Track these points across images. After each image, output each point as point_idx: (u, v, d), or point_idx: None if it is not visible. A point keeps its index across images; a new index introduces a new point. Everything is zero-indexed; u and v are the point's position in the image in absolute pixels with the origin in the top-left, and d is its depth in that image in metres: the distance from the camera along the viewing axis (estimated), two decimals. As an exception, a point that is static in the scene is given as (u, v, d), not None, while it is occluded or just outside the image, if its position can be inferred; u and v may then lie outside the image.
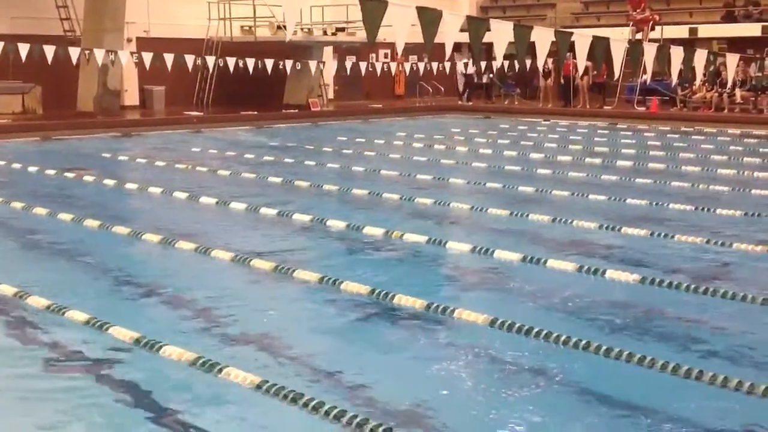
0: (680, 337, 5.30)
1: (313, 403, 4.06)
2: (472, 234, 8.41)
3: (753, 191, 10.51)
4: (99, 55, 16.43)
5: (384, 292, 5.97)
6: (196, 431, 4.01)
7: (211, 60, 19.31)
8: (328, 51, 25.04)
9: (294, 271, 6.59)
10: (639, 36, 21.77)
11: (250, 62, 18.87)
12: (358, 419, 3.88)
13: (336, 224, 8.52)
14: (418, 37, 7.73)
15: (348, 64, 22.32)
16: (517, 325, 5.24)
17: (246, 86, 20.71)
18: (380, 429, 3.79)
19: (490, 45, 8.78)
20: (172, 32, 22.08)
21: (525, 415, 4.20)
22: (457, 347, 5.18)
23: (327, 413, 3.97)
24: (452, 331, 5.42)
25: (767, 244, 7.48)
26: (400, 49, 7.51)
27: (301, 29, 22.37)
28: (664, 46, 10.20)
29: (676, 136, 18.01)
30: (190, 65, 18.25)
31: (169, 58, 17.76)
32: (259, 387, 4.29)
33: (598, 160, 13.83)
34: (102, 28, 19.86)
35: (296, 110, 22.45)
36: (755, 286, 6.29)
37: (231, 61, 18.91)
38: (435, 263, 7.37)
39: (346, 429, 3.87)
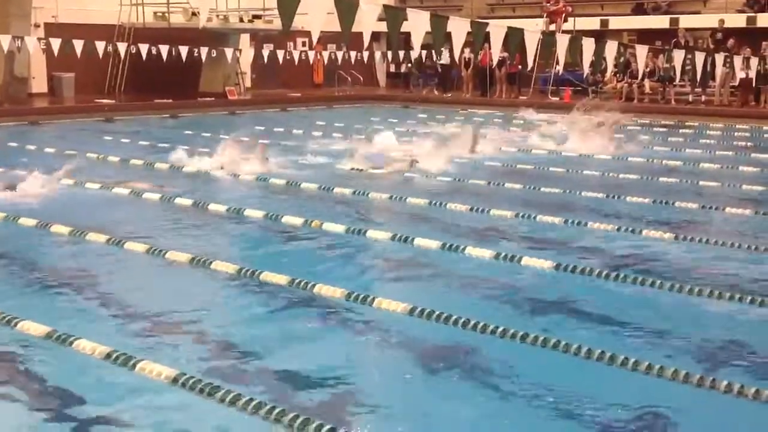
0: (593, 322, 5.45)
1: (230, 396, 4.00)
2: (392, 222, 8.45)
3: (661, 179, 10.87)
4: (5, 41, 15.80)
5: (303, 281, 5.93)
6: (111, 428, 3.91)
7: (122, 47, 18.76)
8: (244, 38, 24.66)
9: (211, 262, 6.48)
10: (552, 27, 22.22)
11: (164, 49, 18.44)
12: (276, 411, 3.85)
13: (254, 214, 8.42)
14: (335, 26, 7.70)
15: (265, 53, 22.05)
16: (436, 313, 5.29)
17: (160, 74, 20.21)
18: (298, 420, 3.76)
19: (408, 35, 8.82)
20: (82, 18, 21.36)
21: (443, 401, 4.25)
22: (376, 336, 5.19)
23: (245, 406, 3.92)
24: (372, 320, 5.42)
25: (675, 231, 7.76)
26: (315, 38, 7.47)
27: (217, 16, 21.96)
28: (576, 37, 10.44)
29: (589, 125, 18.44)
30: (101, 52, 17.72)
31: (78, 45, 17.21)
32: (175, 381, 4.21)
33: (514, 149, 14.06)
34: (7, 13, 19.03)
35: (213, 99, 22.07)
36: (664, 271, 6.51)
37: (144, 48, 18.43)
38: (355, 252, 7.36)
39: (264, 421, 3.83)
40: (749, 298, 5.73)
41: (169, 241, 7.23)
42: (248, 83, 25.47)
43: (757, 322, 5.47)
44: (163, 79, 20.56)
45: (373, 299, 5.59)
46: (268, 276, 6.11)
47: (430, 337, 5.11)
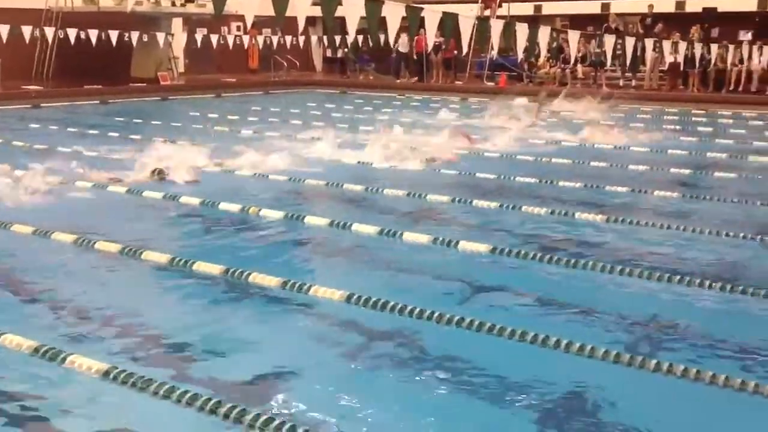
0: (528, 305, 5.52)
1: (164, 389, 3.93)
2: (329, 209, 8.41)
3: (592, 163, 11.06)
4: None
5: (239, 270, 5.86)
6: (41, 423, 3.80)
7: (50, 31, 18.20)
8: (177, 22, 24.19)
9: (142, 252, 6.35)
10: (487, 13, 22.37)
11: (93, 34, 17.97)
12: (212, 402, 3.79)
13: (189, 201, 8.28)
14: (270, 10, 7.60)
15: (199, 37, 21.67)
16: (373, 300, 5.28)
17: (89, 59, 19.66)
18: (234, 411, 3.72)
19: (343, 19, 8.75)
20: (7, 2, 20.56)
21: (381, 387, 4.26)
22: (314, 324, 5.17)
23: (179, 399, 3.85)
24: (309, 308, 5.38)
25: (606, 213, 7.91)
26: (249, 22, 7.38)
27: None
28: (510, 23, 10.52)
29: (523, 110, 18.64)
30: (27, 37, 17.17)
31: (4, 30, 16.66)
32: (107, 374, 4.11)
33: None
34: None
35: (145, 84, 21.60)
36: (596, 253, 6.64)
37: (72, 33, 17.93)
38: (292, 239, 7.31)
39: (199, 413, 3.78)
40: (677, 278, 5.87)
41: (99, 231, 7.05)
42: (181, 68, 25.00)
43: (686, 303, 5.61)
44: (92, 64, 20.02)
45: (310, 287, 5.56)
46: (201, 266, 6.01)
47: (368, 324, 5.11)
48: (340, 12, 8.29)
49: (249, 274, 5.79)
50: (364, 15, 8.22)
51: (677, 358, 4.50)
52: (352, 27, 8.52)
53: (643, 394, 4.25)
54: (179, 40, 22.96)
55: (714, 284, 5.71)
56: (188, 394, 3.86)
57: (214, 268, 5.95)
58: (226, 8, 7.46)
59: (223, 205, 8.06)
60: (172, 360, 4.53)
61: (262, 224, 7.59)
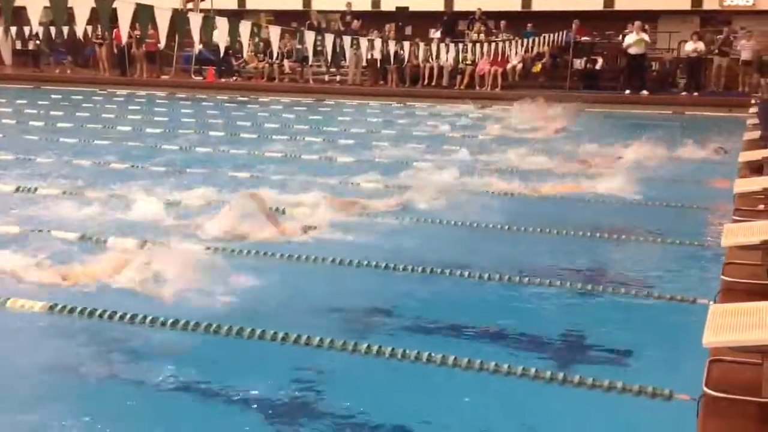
0: (235, 301, 5.47)
1: None
2: (23, 213, 7.72)
3: (303, 156, 11.28)
4: None
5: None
6: None
7: None
8: None
9: None
10: (190, 6, 21.92)
11: None
12: None
13: None
14: (-62, -3, 6.80)
15: None
16: (79, 308, 5.05)
17: None
18: None
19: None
20: None
21: (94, 397, 4.08)
22: (18, 339, 4.78)
23: None
24: (10, 323, 5.00)
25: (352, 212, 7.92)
26: None
27: None
28: (209, 17, 10.41)
29: (233, 105, 18.62)
30: None
31: None
32: None
33: (159, 130, 13.70)
34: None
35: None
36: (319, 248, 6.80)
37: None
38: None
39: None
40: (393, 265, 6.14)
41: None
42: None
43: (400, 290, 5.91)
44: None
45: (7, 300, 5.15)
46: None
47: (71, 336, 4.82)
48: (22, 1, 7.60)
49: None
50: (48, 5, 7.60)
51: (389, 340, 4.74)
52: (34, 17, 7.86)
53: (359, 376, 4.43)
54: None
55: (425, 269, 6.09)
56: None
57: None
58: None
59: None
60: None
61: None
